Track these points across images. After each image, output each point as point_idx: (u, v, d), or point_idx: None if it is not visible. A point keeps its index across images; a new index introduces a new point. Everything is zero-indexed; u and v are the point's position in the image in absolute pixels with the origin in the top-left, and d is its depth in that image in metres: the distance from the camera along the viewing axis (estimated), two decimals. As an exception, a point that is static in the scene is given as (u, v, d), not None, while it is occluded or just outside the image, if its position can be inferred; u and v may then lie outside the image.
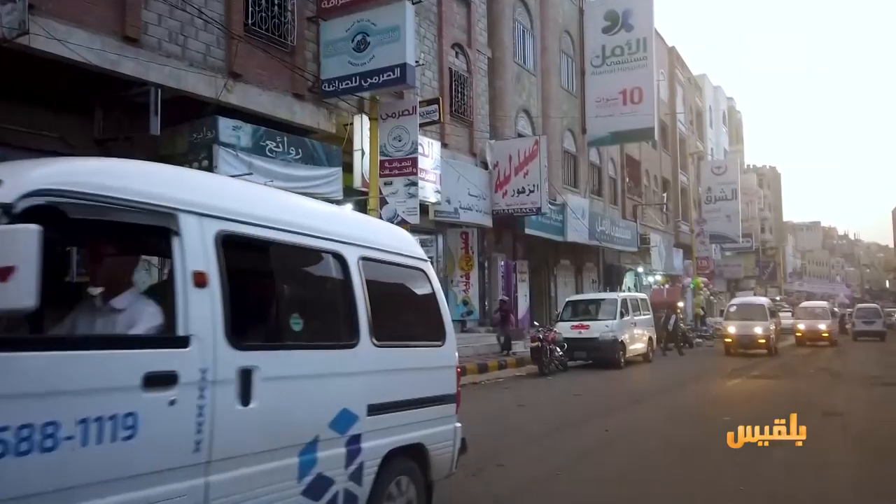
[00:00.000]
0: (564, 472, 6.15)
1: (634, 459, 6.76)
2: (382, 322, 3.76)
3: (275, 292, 3.36)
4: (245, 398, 2.84)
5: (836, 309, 45.87)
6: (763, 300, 25.18)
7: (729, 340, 21.37)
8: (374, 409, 3.60)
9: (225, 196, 3.15)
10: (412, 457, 3.98)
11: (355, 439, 3.47)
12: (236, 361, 2.83)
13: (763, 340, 20.76)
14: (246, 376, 2.85)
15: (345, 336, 3.58)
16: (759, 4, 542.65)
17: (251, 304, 3.13)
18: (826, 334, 25.64)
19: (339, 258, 3.59)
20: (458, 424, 4.46)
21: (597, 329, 16.53)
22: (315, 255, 3.61)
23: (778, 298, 49.49)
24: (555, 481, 5.84)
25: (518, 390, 12.41)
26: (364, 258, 3.73)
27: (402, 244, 4.34)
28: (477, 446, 7.15)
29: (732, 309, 23.14)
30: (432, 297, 4.45)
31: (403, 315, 4.42)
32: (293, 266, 3.66)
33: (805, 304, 31.97)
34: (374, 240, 3.97)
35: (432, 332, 4.38)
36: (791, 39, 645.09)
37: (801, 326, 26.50)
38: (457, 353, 4.62)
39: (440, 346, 4.38)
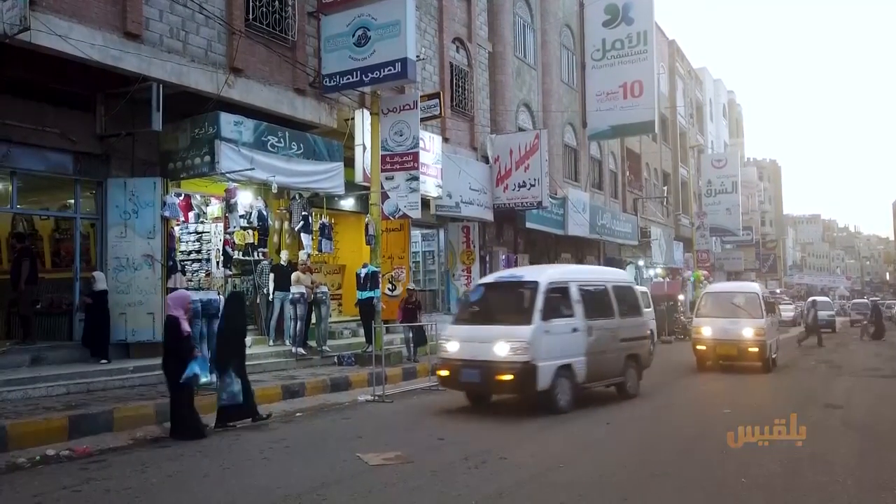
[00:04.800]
0: (566, 464, 6.20)
1: (636, 452, 6.81)
2: None
3: None
4: None
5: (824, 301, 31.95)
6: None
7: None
8: None
9: None
10: None
11: None
12: None
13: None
14: None
15: None
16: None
17: None
18: (755, 349, 13.60)
19: None
20: None
21: (598, 322, 16.49)
22: None
23: (778, 291, 49.52)
24: (557, 473, 5.88)
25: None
26: None
27: None
28: (479, 440, 7.25)
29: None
30: None
31: None
32: None
33: (714, 286, 19.43)
34: None
35: None
36: (791, 33, 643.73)
37: (707, 333, 14.28)
38: None
39: None
